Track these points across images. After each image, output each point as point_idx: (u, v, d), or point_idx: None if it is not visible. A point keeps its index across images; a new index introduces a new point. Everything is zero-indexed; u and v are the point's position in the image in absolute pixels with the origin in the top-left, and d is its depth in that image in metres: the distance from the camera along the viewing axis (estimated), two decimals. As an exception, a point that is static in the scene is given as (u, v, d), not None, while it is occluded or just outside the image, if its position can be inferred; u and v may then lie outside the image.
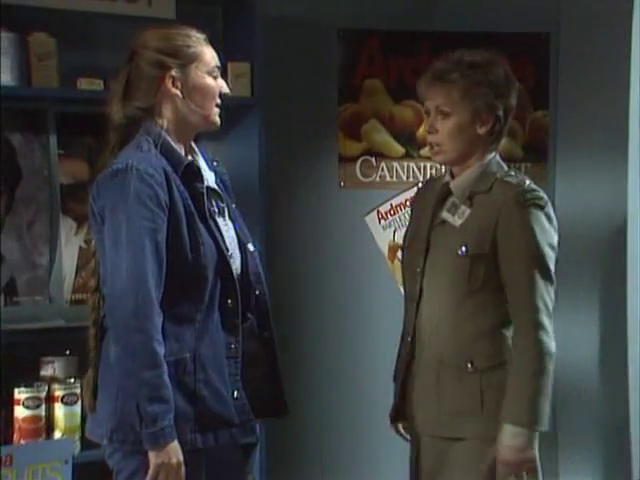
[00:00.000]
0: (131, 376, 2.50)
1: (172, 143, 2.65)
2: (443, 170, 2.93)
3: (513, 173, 2.80)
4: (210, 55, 2.69)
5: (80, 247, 3.48)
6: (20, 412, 3.19)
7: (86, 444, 3.29)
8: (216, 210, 2.72)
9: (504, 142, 3.99)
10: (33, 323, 3.30)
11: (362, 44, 3.94)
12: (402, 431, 2.95)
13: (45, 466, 3.07)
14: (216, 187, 2.76)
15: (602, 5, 4.02)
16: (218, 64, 2.71)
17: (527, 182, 2.75)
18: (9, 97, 3.20)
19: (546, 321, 2.68)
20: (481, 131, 2.75)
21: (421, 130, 2.79)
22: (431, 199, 2.84)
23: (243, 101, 3.58)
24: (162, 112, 2.66)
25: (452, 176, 2.82)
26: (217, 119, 2.71)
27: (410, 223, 2.96)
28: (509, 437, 2.66)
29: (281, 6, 3.75)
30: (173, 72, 2.63)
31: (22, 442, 3.18)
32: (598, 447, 4.11)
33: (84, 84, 3.36)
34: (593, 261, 4.10)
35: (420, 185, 3.07)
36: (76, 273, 3.48)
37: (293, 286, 3.80)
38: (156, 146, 2.61)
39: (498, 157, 2.83)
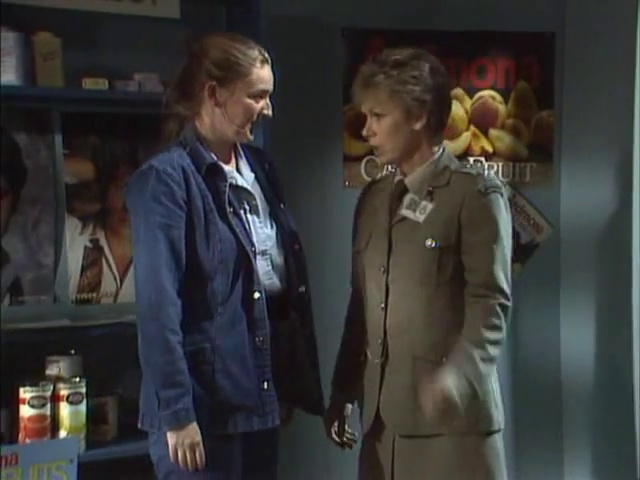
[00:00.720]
0: (148, 363, 2.64)
1: (200, 145, 2.75)
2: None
3: (468, 165, 2.84)
4: (258, 77, 2.76)
5: (85, 247, 3.49)
6: (25, 411, 3.19)
7: (91, 443, 3.30)
8: (247, 208, 2.81)
9: (509, 141, 4.07)
10: (38, 322, 3.30)
11: (366, 43, 3.93)
12: (335, 436, 2.98)
13: (50, 465, 3.08)
14: (248, 187, 2.83)
15: (607, 5, 4.02)
16: (267, 88, 2.78)
17: (486, 172, 2.79)
18: (14, 96, 3.21)
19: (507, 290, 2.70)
20: (417, 127, 2.76)
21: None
22: (383, 198, 2.85)
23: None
24: (201, 116, 2.77)
25: (403, 174, 2.83)
26: (249, 135, 2.80)
27: (359, 226, 2.94)
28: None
29: (285, 6, 3.74)
30: (214, 82, 2.73)
31: (27, 441, 3.18)
32: (603, 448, 4.11)
33: (89, 84, 3.36)
34: (597, 261, 4.10)
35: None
36: (81, 273, 3.49)
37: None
38: (184, 147, 2.74)
39: (448, 150, 2.85)
